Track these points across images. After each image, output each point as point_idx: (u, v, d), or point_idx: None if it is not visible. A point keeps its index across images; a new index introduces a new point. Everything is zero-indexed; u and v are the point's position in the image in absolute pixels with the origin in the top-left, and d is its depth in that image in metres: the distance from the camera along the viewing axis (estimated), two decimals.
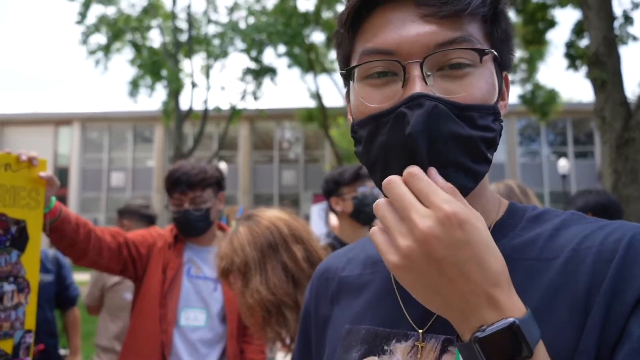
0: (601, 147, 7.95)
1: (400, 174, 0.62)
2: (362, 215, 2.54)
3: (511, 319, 0.55)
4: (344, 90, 0.80)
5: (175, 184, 2.33)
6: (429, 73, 0.66)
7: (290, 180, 28.00)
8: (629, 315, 0.59)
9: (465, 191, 0.65)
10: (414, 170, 0.59)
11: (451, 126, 0.63)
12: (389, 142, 0.65)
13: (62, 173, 27.92)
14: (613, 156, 7.20)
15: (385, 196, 0.62)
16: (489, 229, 0.67)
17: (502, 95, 0.74)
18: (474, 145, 0.65)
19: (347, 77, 0.74)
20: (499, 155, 26.55)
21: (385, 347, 0.75)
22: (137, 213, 3.90)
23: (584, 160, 26.15)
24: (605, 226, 0.68)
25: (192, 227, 2.38)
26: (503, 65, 0.74)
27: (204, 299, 2.36)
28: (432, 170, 0.60)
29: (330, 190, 2.63)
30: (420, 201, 0.57)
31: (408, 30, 0.66)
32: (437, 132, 0.62)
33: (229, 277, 1.53)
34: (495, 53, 0.70)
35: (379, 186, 0.67)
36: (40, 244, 1.78)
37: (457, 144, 0.64)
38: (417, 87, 0.64)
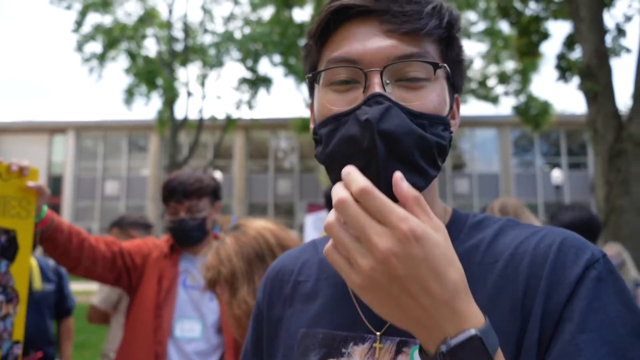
0: (594, 158, 8.00)
1: (358, 166, 0.64)
2: None
3: (473, 331, 0.56)
4: (309, 102, 0.85)
5: (172, 192, 2.32)
6: (387, 82, 0.71)
7: (285, 190, 27.97)
8: (562, 312, 0.66)
9: (418, 190, 0.67)
10: (366, 187, 0.57)
11: (406, 124, 0.67)
12: (346, 133, 0.69)
13: (56, 181, 27.80)
14: (605, 167, 7.25)
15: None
16: None
17: (453, 114, 0.80)
18: (428, 146, 0.69)
19: (313, 83, 0.80)
20: (493, 166, 26.66)
21: (343, 350, 0.79)
22: (139, 224, 3.91)
23: (577, 171, 26.28)
24: (537, 232, 0.75)
25: (188, 236, 2.36)
26: (455, 86, 0.80)
27: (200, 309, 2.33)
28: (398, 175, 0.60)
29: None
30: (376, 219, 0.57)
31: (371, 42, 0.72)
32: (393, 126, 0.66)
33: (216, 288, 1.53)
34: (448, 69, 0.76)
35: (335, 183, 0.68)
36: (30, 254, 1.77)
37: (412, 141, 0.67)
38: (377, 89, 0.69)
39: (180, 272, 2.39)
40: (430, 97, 0.72)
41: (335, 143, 0.71)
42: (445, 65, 0.75)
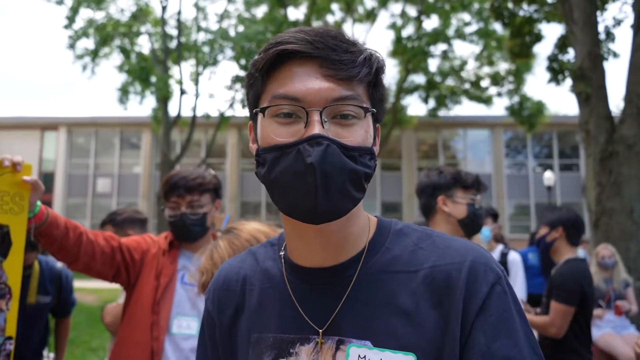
0: (586, 160, 8.05)
1: (297, 194, 0.80)
2: (474, 225, 2.43)
3: None
4: (250, 123, 0.96)
5: (174, 187, 2.33)
6: (325, 119, 0.83)
7: None
8: (474, 321, 0.81)
9: (346, 212, 0.84)
10: None
11: (342, 161, 0.81)
12: (292, 168, 0.80)
13: (47, 178, 27.59)
14: (597, 169, 7.30)
15: None
16: (364, 249, 0.92)
17: (375, 141, 0.93)
18: (357, 177, 0.83)
19: (256, 114, 0.90)
20: (486, 167, 26.77)
21: (292, 350, 0.91)
22: (135, 219, 3.75)
23: (569, 172, 26.44)
24: (451, 245, 0.90)
25: (188, 231, 2.36)
26: (377, 119, 0.94)
27: (197, 306, 2.33)
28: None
29: (442, 186, 2.46)
30: None
31: (312, 84, 0.84)
32: (331, 165, 0.79)
33: None
34: (375, 111, 0.90)
35: (276, 203, 0.85)
36: (23, 249, 1.76)
37: (345, 175, 0.81)
38: (317, 129, 0.81)
39: (178, 269, 2.39)
40: (360, 133, 0.85)
41: (280, 172, 0.82)
42: (373, 110, 0.89)
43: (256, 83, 0.90)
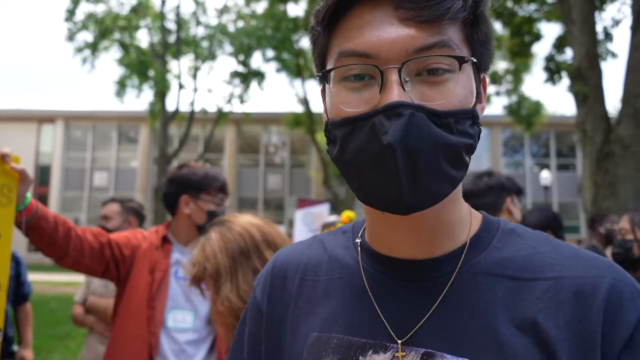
0: (582, 159, 8.07)
1: (376, 180, 0.64)
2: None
3: None
4: (320, 87, 0.78)
5: (224, 186, 2.59)
6: (407, 79, 0.65)
7: (275, 185, 27.93)
8: (618, 358, 0.63)
9: (443, 197, 0.66)
10: None
11: (432, 134, 0.63)
12: (367, 149, 0.64)
13: (44, 171, 27.54)
14: (593, 169, 7.32)
15: None
16: (465, 244, 0.73)
17: (480, 97, 0.73)
18: (454, 152, 0.65)
19: (323, 79, 0.73)
20: (484, 165, 26.79)
21: (361, 358, 0.72)
22: (140, 215, 3.78)
23: (566, 172, 26.50)
24: (580, 256, 0.71)
25: None
26: (481, 68, 0.73)
27: (192, 300, 2.36)
28: None
29: (510, 189, 2.50)
30: None
31: (387, 33, 0.65)
32: (417, 142, 0.62)
33: (200, 284, 1.52)
34: (474, 60, 0.69)
35: (354, 191, 0.69)
36: (11, 242, 1.75)
37: (437, 152, 0.63)
38: (395, 94, 0.63)
39: (171, 263, 2.40)
40: (456, 92, 0.66)
41: (353, 153, 0.66)
42: (471, 58, 0.68)
43: (319, 39, 0.73)
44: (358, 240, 0.82)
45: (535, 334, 0.65)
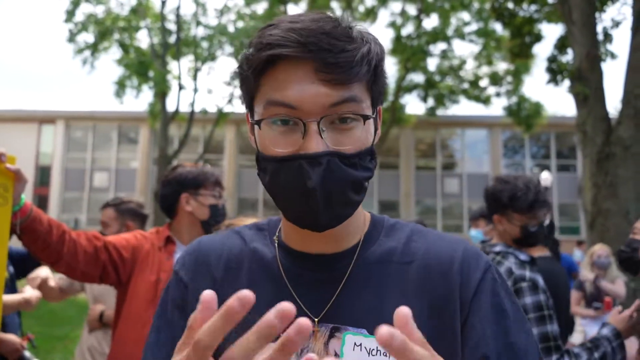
0: (582, 160, 8.07)
1: (300, 209, 0.82)
2: (530, 239, 2.50)
3: None
4: (246, 117, 0.94)
5: (218, 181, 2.62)
6: (323, 128, 0.81)
7: None
8: (470, 304, 0.86)
9: (348, 217, 0.86)
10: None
11: (343, 174, 0.81)
12: (294, 187, 0.81)
13: (44, 172, 27.54)
14: (593, 170, 7.31)
15: None
16: (360, 241, 0.94)
17: (377, 127, 0.91)
18: (358, 183, 0.84)
19: (253, 119, 0.88)
20: (484, 167, 26.81)
21: (281, 335, 0.82)
22: (138, 213, 3.65)
23: (566, 173, 26.49)
24: (442, 238, 0.96)
25: (224, 218, 2.54)
26: (377, 104, 0.91)
27: None
28: (406, 313, 0.62)
29: (500, 206, 2.48)
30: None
31: (308, 90, 0.80)
32: (332, 183, 0.80)
33: None
34: (374, 116, 0.88)
35: (281, 210, 0.87)
36: (7, 242, 1.74)
37: (346, 187, 0.82)
38: (314, 143, 0.80)
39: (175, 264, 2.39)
40: (360, 137, 0.84)
41: (282, 187, 0.83)
42: (372, 116, 0.87)
43: (248, 81, 0.87)
44: (276, 239, 0.99)
45: (416, 302, 0.86)
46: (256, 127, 0.87)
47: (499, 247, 2.43)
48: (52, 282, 3.27)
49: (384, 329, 0.54)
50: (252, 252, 0.98)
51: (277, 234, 1.00)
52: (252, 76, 0.85)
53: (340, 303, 0.88)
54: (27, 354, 2.99)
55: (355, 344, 0.85)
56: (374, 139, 0.89)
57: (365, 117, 0.84)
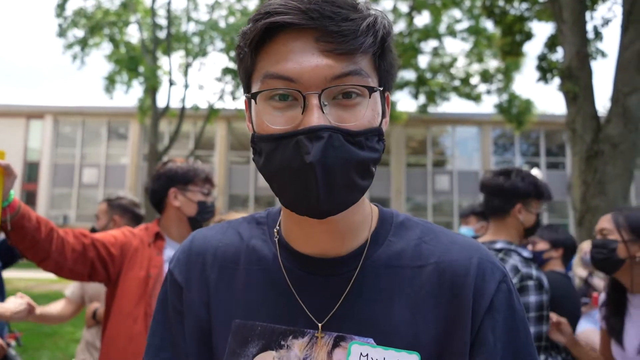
0: (572, 158, 8.13)
1: (298, 191, 0.74)
2: (538, 227, 2.55)
3: None
4: (245, 99, 0.87)
5: (208, 178, 2.59)
6: (325, 103, 0.74)
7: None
8: (483, 318, 0.81)
9: (353, 204, 0.78)
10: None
11: (346, 152, 0.74)
12: (291, 165, 0.73)
13: (33, 168, 27.27)
14: (582, 168, 7.37)
15: None
16: (367, 241, 0.87)
17: (384, 114, 0.84)
18: (364, 165, 0.76)
19: (251, 96, 0.81)
20: (474, 164, 26.95)
21: (283, 342, 0.84)
22: (130, 212, 3.60)
23: (555, 171, 26.70)
24: (456, 241, 0.88)
25: (213, 214, 2.54)
26: (386, 89, 0.85)
27: None
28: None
29: (522, 193, 2.45)
30: None
31: (308, 61, 0.74)
32: (333, 160, 0.72)
33: None
34: (381, 89, 0.81)
35: (277, 196, 0.79)
36: None
37: (350, 167, 0.74)
38: (315, 117, 0.72)
39: (165, 260, 2.37)
40: (365, 114, 0.77)
41: (278, 167, 0.76)
42: (379, 88, 0.80)
43: (246, 58, 0.81)
44: (276, 237, 0.92)
45: (426, 310, 0.82)
46: (252, 103, 0.81)
47: (499, 244, 2.40)
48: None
49: None
50: (250, 250, 0.92)
51: (277, 227, 0.93)
52: (249, 51, 0.79)
53: (346, 310, 0.83)
54: (12, 352, 2.96)
55: (361, 354, 0.80)
56: (381, 122, 0.81)
57: (371, 90, 0.77)
